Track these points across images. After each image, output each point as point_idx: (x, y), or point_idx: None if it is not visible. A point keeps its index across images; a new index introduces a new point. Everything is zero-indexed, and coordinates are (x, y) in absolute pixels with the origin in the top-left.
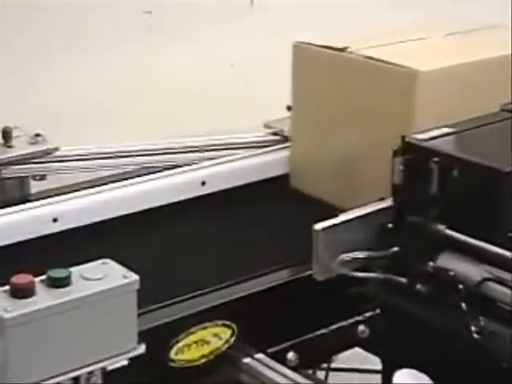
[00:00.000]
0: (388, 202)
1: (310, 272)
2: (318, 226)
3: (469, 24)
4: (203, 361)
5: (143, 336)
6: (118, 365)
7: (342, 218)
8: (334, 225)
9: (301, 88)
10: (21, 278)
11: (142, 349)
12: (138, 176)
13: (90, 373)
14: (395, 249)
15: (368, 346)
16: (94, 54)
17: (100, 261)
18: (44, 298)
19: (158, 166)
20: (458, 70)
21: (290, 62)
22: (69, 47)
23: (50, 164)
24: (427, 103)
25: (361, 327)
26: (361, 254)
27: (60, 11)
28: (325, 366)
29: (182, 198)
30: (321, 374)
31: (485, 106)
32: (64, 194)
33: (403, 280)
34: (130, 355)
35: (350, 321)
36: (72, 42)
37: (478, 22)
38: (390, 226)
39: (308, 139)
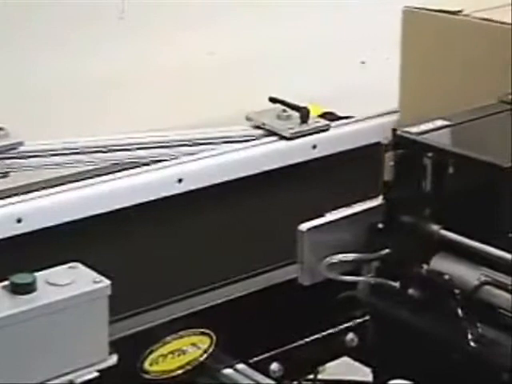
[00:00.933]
0: (378, 201)
1: (295, 276)
2: (303, 227)
3: None
4: (180, 372)
5: (115, 346)
6: (87, 377)
7: (329, 217)
8: (320, 225)
9: (411, 55)
10: None
11: (113, 360)
12: (110, 173)
13: None
14: (386, 251)
15: (357, 355)
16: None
17: (67, 265)
18: (5, 305)
19: (130, 163)
20: None
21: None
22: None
23: (14, 160)
24: None
25: (349, 335)
26: (349, 257)
27: None
28: (311, 377)
29: (157, 196)
30: None
31: None
32: (29, 192)
33: (395, 284)
34: (101, 367)
35: (338, 328)
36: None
37: None
38: (380, 226)
39: (416, 108)
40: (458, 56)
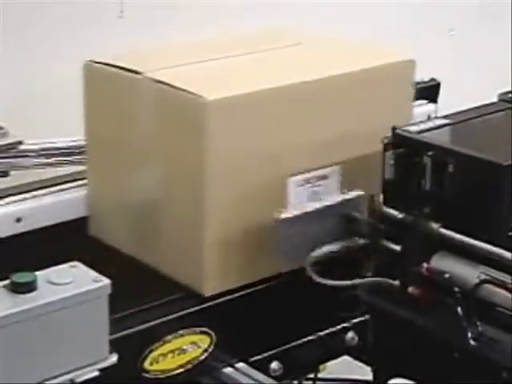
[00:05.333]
0: (354, 194)
1: (296, 275)
2: (279, 215)
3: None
4: (180, 371)
5: (115, 345)
6: (87, 376)
7: (306, 208)
8: (297, 216)
9: (93, 114)
10: None
11: (113, 359)
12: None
13: None
14: (362, 240)
15: (357, 354)
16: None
17: (68, 264)
18: (6, 304)
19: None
20: (256, 98)
21: None
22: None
23: (13, 159)
24: (219, 136)
25: (349, 334)
26: (326, 248)
27: None
28: (311, 376)
29: None
30: None
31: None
32: (28, 191)
33: (395, 283)
34: (101, 366)
35: (338, 327)
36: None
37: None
38: (356, 215)
39: (104, 177)
40: (137, 121)
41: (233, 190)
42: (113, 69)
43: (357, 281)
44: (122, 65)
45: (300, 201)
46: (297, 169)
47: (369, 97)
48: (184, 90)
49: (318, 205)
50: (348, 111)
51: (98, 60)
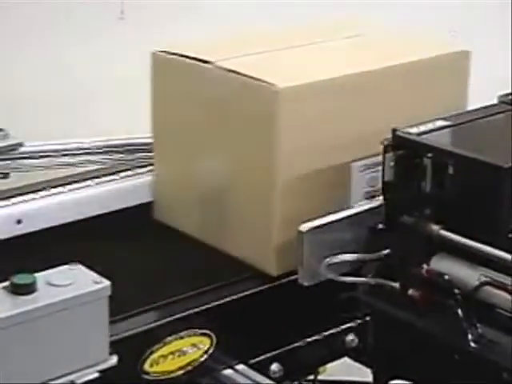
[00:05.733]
0: (378, 201)
1: (295, 277)
2: (303, 227)
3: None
4: (180, 373)
5: (115, 346)
6: (87, 378)
7: (329, 218)
8: (320, 226)
9: (160, 104)
10: None
11: (113, 360)
12: (111, 174)
13: None
14: (385, 251)
15: (358, 355)
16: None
17: (68, 265)
18: (6, 306)
19: (130, 163)
20: (325, 86)
21: None
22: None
23: (14, 161)
24: (289, 123)
25: (350, 336)
26: (348, 257)
27: None
28: (311, 378)
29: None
30: None
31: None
32: (29, 193)
33: (395, 285)
34: (101, 367)
35: (338, 329)
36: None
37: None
38: (380, 227)
39: (169, 164)
40: (207, 108)
41: (301, 174)
42: (182, 58)
43: (359, 279)
44: (192, 55)
45: (361, 185)
46: (359, 154)
47: (427, 86)
48: (255, 79)
49: (341, 214)
50: (407, 99)
51: (165, 50)
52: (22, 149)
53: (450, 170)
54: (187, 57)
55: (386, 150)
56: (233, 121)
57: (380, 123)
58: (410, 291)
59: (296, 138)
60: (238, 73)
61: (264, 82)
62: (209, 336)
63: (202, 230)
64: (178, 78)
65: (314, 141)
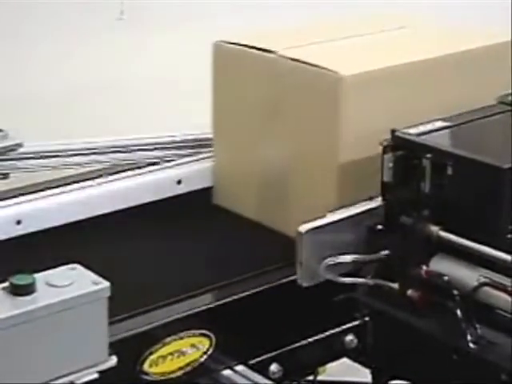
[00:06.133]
0: (377, 202)
1: (294, 277)
2: (302, 228)
3: (398, 22)
4: (179, 373)
5: (114, 347)
6: (87, 378)
7: (328, 219)
8: (320, 226)
9: (221, 93)
10: None
11: (113, 361)
12: (109, 174)
13: None
14: (385, 252)
15: (357, 356)
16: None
17: (67, 266)
18: (5, 306)
19: (129, 164)
20: (387, 73)
21: None
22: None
23: (13, 161)
24: (352, 110)
25: (349, 336)
26: (348, 258)
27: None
28: (310, 378)
29: (156, 198)
30: None
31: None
32: (28, 193)
33: (394, 285)
34: (101, 368)
35: (338, 329)
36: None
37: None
38: (380, 227)
39: (229, 150)
40: (269, 96)
41: (359, 159)
42: (244, 48)
43: (358, 280)
44: (254, 45)
45: None
46: None
47: (476, 74)
48: (319, 67)
49: (341, 215)
50: (458, 87)
51: (226, 41)
52: (22, 149)
53: (449, 171)
54: (249, 47)
55: (385, 151)
56: (295, 108)
57: (433, 110)
58: (409, 292)
59: (357, 124)
60: (302, 61)
61: (328, 70)
62: (208, 336)
63: (261, 213)
64: (239, 67)
65: (373, 127)
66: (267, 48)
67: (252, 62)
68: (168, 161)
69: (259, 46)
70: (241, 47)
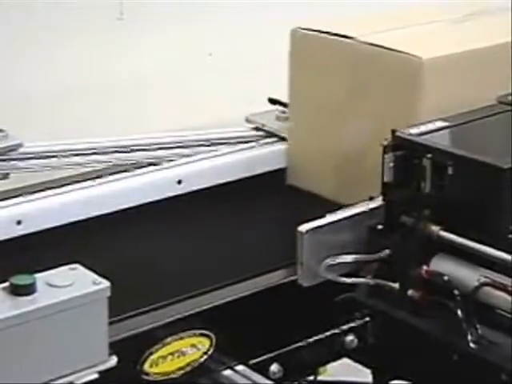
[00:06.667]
0: (378, 202)
1: (294, 277)
2: (303, 228)
3: (473, 7)
4: (180, 374)
5: (114, 347)
6: (87, 379)
7: (329, 219)
8: (320, 226)
9: (299, 77)
10: None
11: (113, 361)
12: (110, 174)
13: None
14: (385, 252)
15: (357, 356)
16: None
17: (68, 266)
18: (6, 306)
19: (130, 164)
20: (465, 57)
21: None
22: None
23: (13, 162)
24: (432, 92)
25: (349, 336)
26: (348, 258)
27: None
28: (311, 378)
29: (157, 197)
30: None
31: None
32: (28, 194)
33: (394, 285)
34: (100, 368)
35: (338, 330)
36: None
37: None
38: (380, 227)
39: (306, 132)
40: (346, 80)
41: None
42: (323, 35)
43: (359, 280)
44: (333, 31)
45: None
46: None
47: None
48: (399, 51)
49: (341, 215)
50: None
51: (304, 27)
52: (22, 149)
53: (450, 171)
54: (327, 33)
55: (385, 151)
56: (374, 91)
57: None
58: (410, 292)
59: (436, 107)
60: (382, 46)
61: (408, 54)
62: (208, 337)
63: (337, 192)
64: (317, 53)
65: (451, 109)
66: (347, 34)
67: (331, 48)
68: (168, 161)
69: (339, 33)
70: (319, 34)
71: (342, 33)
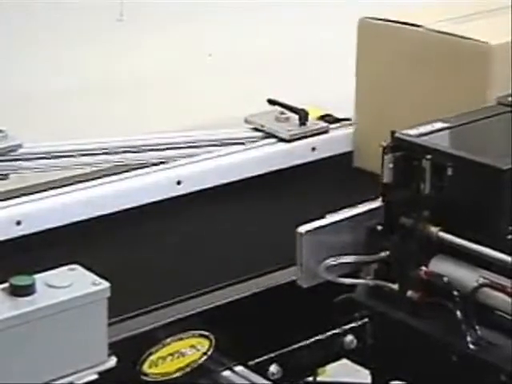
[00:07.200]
0: (377, 203)
1: (293, 278)
2: (302, 229)
3: None
4: (179, 374)
5: (114, 348)
6: (86, 379)
7: (328, 219)
8: (319, 227)
9: (366, 64)
10: None
11: (112, 362)
12: (109, 175)
13: None
14: (384, 253)
15: (356, 357)
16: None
17: (67, 267)
18: (5, 307)
19: (130, 165)
20: None
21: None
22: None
23: (13, 162)
24: (500, 77)
25: (348, 337)
26: (348, 259)
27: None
28: (310, 379)
29: (156, 198)
30: None
31: None
32: (28, 194)
33: (394, 286)
34: (100, 369)
35: (337, 330)
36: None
37: None
38: (380, 228)
39: (373, 116)
40: (413, 67)
41: None
42: (390, 23)
43: (358, 281)
44: (401, 20)
45: None
46: None
47: None
48: (467, 38)
49: (340, 216)
50: None
51: (371, 17)
52: (21, 150)
53: (449, 172)
54: (395, 22)
55: (385, 152)
56: (441, 77)
57: None
58: (409, 293)
59: (502, 91)
60: (450, 34)
61: (476, 40)
62: (207, 337)
63: None
64: (385, 41)
65: None
66: (415, 22)
67: (399, 36)
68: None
69: (407, 21)
70: (387, 22)
71: (413, 21)
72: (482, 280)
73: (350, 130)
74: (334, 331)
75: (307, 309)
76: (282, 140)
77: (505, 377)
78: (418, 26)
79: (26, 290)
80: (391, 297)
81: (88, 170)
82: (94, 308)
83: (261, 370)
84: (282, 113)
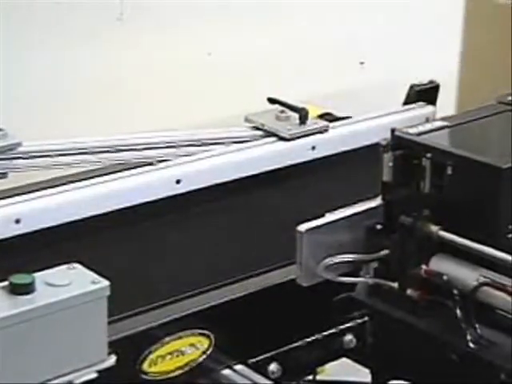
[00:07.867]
0: (377, 202)
1: (293, 277)
2: (302, 228)
3: None
4: (178, 373)
5: (113, 347)
6: (85, 378)
7: (328, 218)
8: (319, 226)
9: (472, 39)
10: None
11: (111, 360)
12: (109, 174)
13: None
14: (384, 252)
15: (356, 356)
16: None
17: (66, 265)
18: (5, 306)
19: (129, 163)
20: None
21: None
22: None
23: (12, 160)
24: None
25: (348, 336)
26: (347, 258)
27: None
28: (310, 378)
29: (155, 197)
30: None
31: None
32: (27, 193)
33: (394, 285)
34: (99, 367)
35: (337, 329)
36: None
37: None
38: (379, 227)
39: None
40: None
41: None
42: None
43: (357, 279)
44: None
45: None
46: None
47: None
48: None
49: (340, 215)
50: None
51: None
52: (21, 148)
53: (449, 171)
54: None
55: (384, 150)
56: None
57: None
58: (409, 291)
59: None
60: None
61: None
62: (207, 336)
63: None
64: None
65: None
66: None
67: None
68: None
69: None
70: None
71: None
72: (482, 279)
73: (350, 128)
74: (334, 330)
75: (307, 307)
76: (282, 139)
77: (505, 375)
78: None
79: (26, 289)
80: (391, 295)
81: (88, 168)
82: (93, 306)
83: (261, 369)
84: (283, 111)
